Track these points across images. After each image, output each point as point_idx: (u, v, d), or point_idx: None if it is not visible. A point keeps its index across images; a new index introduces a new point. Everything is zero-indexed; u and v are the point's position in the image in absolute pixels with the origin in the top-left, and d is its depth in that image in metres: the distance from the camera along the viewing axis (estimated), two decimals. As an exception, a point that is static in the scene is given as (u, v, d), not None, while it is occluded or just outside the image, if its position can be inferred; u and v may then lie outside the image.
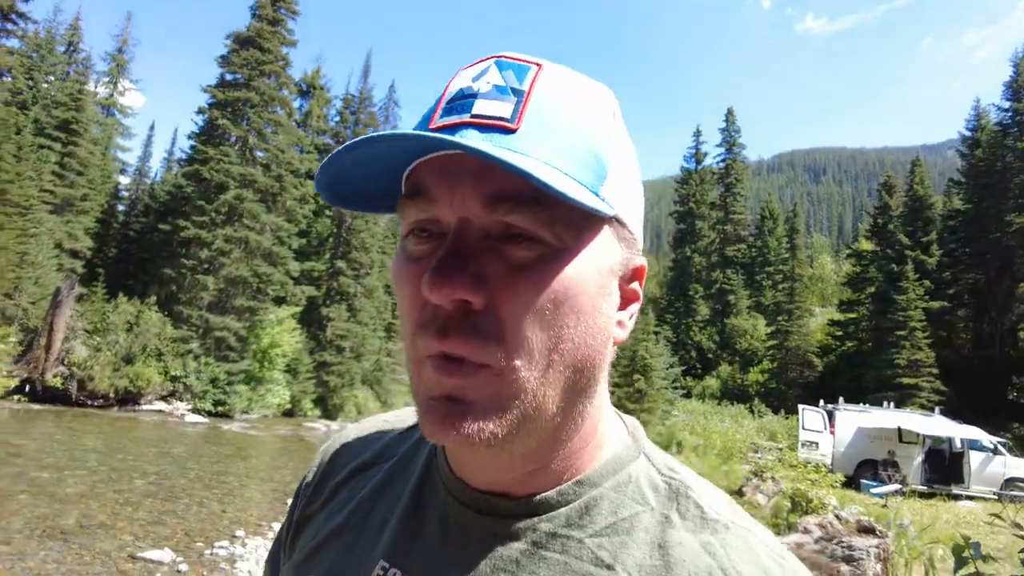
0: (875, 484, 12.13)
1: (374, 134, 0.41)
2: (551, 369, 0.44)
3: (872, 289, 32.85)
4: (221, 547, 6.73)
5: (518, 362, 0.43)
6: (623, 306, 0.50)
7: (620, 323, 0.50)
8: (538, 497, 0.49)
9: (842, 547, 3.92)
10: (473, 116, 0.44)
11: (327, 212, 38.31)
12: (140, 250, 30.91)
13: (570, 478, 0.50)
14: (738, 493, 12.70)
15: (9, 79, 26.27)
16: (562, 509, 0.49)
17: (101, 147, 33.29)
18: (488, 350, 0.43)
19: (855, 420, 15.20)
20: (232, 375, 25.90)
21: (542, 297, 0.43)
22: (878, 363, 28.35)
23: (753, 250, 48.08)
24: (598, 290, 0.45)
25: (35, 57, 32.63)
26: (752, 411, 26.92)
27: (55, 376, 20.74)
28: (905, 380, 26.57)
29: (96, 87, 37.59)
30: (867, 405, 17.50)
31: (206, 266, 27.10)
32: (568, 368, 0.45)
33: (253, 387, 26.69)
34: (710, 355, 41.12)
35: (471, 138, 0.43)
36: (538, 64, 0.47)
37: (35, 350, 20.79)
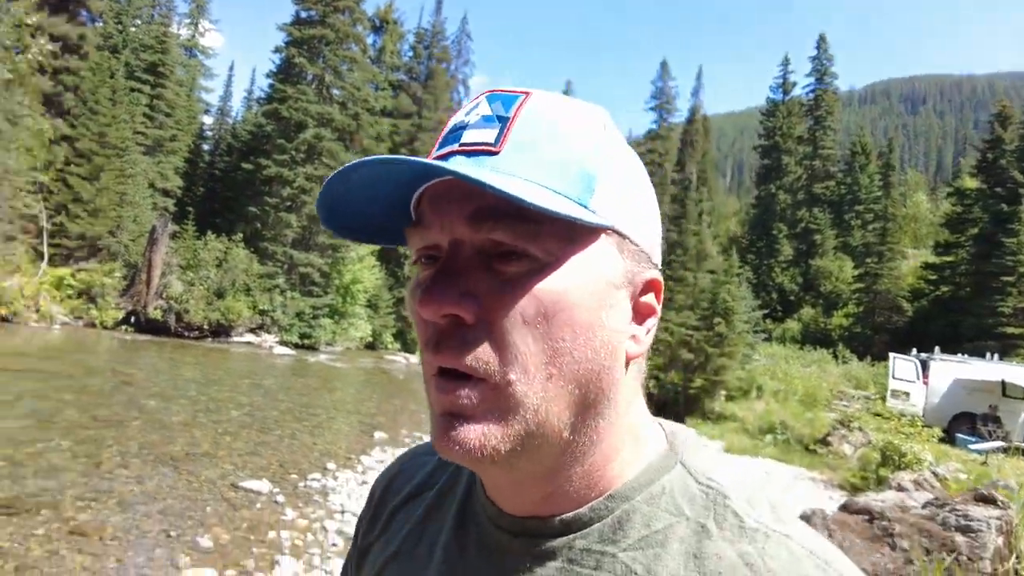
0: (973, 439, 11.54)
1: (362, 159, 0.44)
2: (550, 383, 0.44)
3: (975, 230, 30.51)
4: (314, 479, 7.08)
5: (513, 376, 0.44)
6: (638, 320, 0.50)
7: (634, 337, 0.49)
8: (570, 515, 0.49)
9: (956, 515, 3.70)
10: (461, 145, 0.47)
11: (402, 150, 38.54)
12: (225, 188, 32.14)
13: (599, 494, 0.50)
14: (823, 442, 12.40)
15: (100, 24, 27.16)
16: (595, 525, 0.49)
17: (186, 88, 34.36)
18: (481, 362, 0.44)
19: (952, 371, 14.40)
20: (316, 309, 27.02)
21: (532, 310, 0.44)
22: (978, 310, 26.65)
23: (842, 187, 45.38)
24: (597, 302, 0.46)
25: (122, 1, 33.60)
26: (835, 356, 25.99)
27: (155, 309, 22.19)
28: (1009, 329, 24.93)
29: (178, 29, 38.50)
30: (966, 355, 16.53)
31: (288, 204, 27.95)
32: (570, 383, 0.45)
33: (336, 321, 27.81)
34: (792, 297, 39.67)
35: (456, 163, 0.45)
36: (526, 93, 0.48)
37: (137, 284, 22.22)
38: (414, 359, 29.54)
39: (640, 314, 0.50)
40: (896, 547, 3.82)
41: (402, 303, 33.44)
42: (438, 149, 0.48)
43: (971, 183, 34.29)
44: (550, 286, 0.44)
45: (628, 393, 0.50)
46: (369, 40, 35.13)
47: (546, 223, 0.44)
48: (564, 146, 0.46)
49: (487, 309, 0.44)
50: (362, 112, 30.26)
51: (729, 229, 52.63)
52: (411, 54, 42.52)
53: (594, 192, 0.46)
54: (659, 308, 0.51)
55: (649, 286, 0.50)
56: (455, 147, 0.47)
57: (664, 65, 44.88)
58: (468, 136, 0.47)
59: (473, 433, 0.44)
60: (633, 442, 0.51)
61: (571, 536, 0.49)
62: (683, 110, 44.96)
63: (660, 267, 0.52)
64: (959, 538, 3.60)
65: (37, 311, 19.49)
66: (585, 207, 0.45)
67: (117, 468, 6.44)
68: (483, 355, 0.44)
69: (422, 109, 39.37)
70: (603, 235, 0.46)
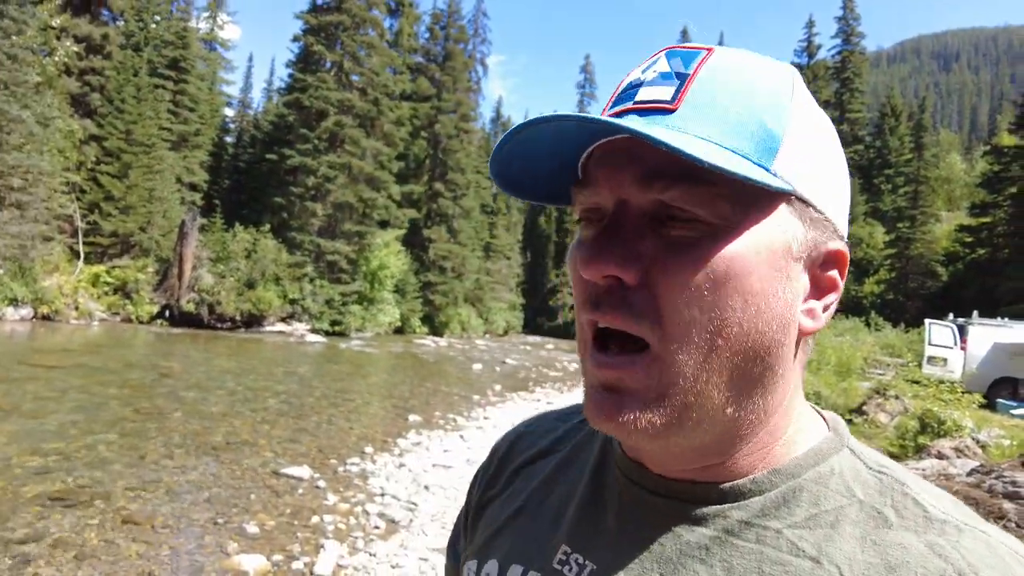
0: (1015, 404, 11.31)
1: (532, 119, 0.43)
2: (714, 354, 0.42)
3: (1014, 190, 29.58)
4: (353, 463, 7.20)
5: (675, 344, 0.42)
6: (816, 295, 0.47)
7: (810, 312, 0.46)
8: (728, 484, 0.47)
9: (1004, 482, 3.64)
10: (636, 103, 0.45)
11: (422, 133, 38.56)
12: (250, 180, 32.53)
13: (762, 470, 0.47)
14: (858, 412, 12.24)
15: (122, 23, 27.47)
16: (756, 498, 0.46)
17: (207, 82, 34.67)
18: (642, 326, 0.43)
19: (991, 335, 14.07)
20: (345, 296, 27.36)
21: (700, 276, 0.42)
22: (1017, 272, 25.91)
23: (871, 151, 44.37)
24: (771, 271, 0.43)
25: (142, -2, 33.92)
26: (868, 324, 25.57)
27: (188, 302, 22.66)
28: (1050, 290, 24.27)
29: (197, 23, 38.77)
30: (1006, 319, 16.14)
31: (313, 193, 28.21)
32: (736, 355, 0.43)
33: (365, 307, 28.15)
34: (821, 266, 39.10)
35: (630, 122, 0.43)
36: (708, 49, 0.46)
37: (170, 279, 22.70)
38: (443, 342, 29.79)
39: (820, 288, 0.47)
40: (940, 516, 3.77)
41: (428, 287, 33.67)
42: (611, 107, 0.47)
43: (1009, 140, 33.12)
44: (721, 252, 0.42)
45: (797, 370, 0.48)
46: (386, 24, 35.02)
47: (720, 185, 0.41)
48: (746, 104, 0.44)
49: (651, 272, 0.43)
50: (382, 97, 30.29)
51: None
52: (428, 36, 42.36)
53: (776, 154, 0.43)
54: (842, 283, 0.48)
55: (832, 258, 0.47)
56: (629, 105, 0.45)
57: (684, 33, 44.07)
58: (643, 94, 0.45)
59: (629, 409, 0.43)
60: (797, 421, 0.49)
61: (727, 506, 0.47)
62: (705, 79, 44.15)
63: (847, 238, 0.49)
64: (1007, 505, 3.55)
65: (76, 308, 20.07)
66: (766, 169, 0.43)
67: (162, 459, 6.62)
68: (644, 318, 0.42)
69: (441, 91, 39.26)
70: (783, 201, 0.44)
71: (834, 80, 47.09)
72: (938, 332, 14.87)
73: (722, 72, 0.44)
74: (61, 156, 20.94)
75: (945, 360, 14.23)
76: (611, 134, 0.44)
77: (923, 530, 0.42)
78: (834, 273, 0.47)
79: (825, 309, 0.47)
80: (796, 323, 0.45)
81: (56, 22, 22.66)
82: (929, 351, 14.67)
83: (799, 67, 47.23)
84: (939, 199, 39.21)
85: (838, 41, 47.54)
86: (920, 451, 8.52)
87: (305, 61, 29.66)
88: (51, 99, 20.70)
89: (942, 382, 10.11)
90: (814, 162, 0.45)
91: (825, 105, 46.22)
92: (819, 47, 47.53)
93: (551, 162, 0.48)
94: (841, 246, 0.47)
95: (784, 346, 0.45)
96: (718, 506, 0.47)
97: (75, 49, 23.48)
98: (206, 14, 40.41)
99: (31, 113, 19.02)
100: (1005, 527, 3.64)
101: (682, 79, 0.44)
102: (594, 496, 0.54)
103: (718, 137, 0.42)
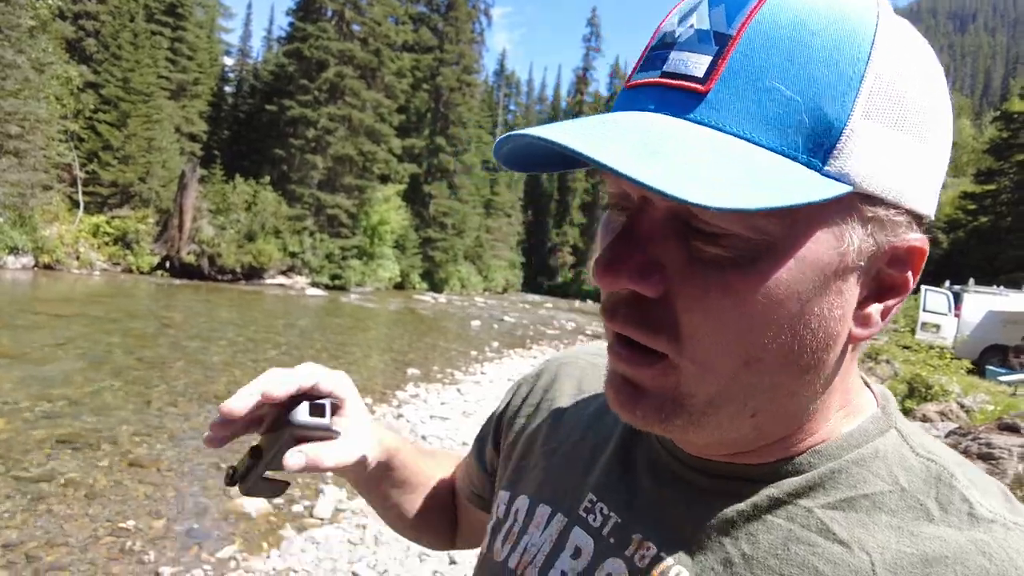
0: (1004, 371, 11.48)
1: (520, 131, 0.36)
2: (738, 379, 0.39)
3: (1021, 157, 29.36)
4: (353, 413, 7.40)
5: (695, 365, 0.38)
6: (878, 297, 0.40)
7: (865, 318, 0.40)
8: (765, 465, 0.44)
9: (979, 443, 3.79)
10: (663, 74, 0.37)
11: (424, 86, 38.00)
12: (250, 131, 32.21)
13: (800, 453, 0.44)
14: (849, 375, 12.42)
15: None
16: (791, 478, 0.43)
17: (206, 30, 34.01)
18: (659, 340, 0.39)
19: (986, 303, 14.19)
20: (345, 250, 27.43)
21: (729, 303, 0.36)
22: (1019, 240, 25.94)
23: (879, 114, 43.78)
24: (816, 292, 0.37)
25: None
26: (866, 289, 25.69)
27: (189, 253, 22.74)
28: (1049, 259, 24.33)
29: (195, -34, 37.78)
30: (1002, 287, 16.23)
31: (313, 145, 27.99)
32: (766, 376, 0.39)
33: (365, 262, 28.25)
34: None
35: (645, 104, 0.38)
36: None
37: (170, 230, 22.72)
38: (442, 298, 29.96)
39: (883, 288, 0.41)
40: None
41: (428, 243, 33.64)
42: (638, 72, 0.40)
43: (1019, 105, 32.70)
44: (758, 281, 0.36)
45: (844, 366, 0.43)
46: (387, -28, 34.15)
47: None
48: (802, 76, 0.35)
49: (673, 288, 0.38)
50: (383, 48, 29.77)
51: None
52: (431, -17, 41.35)
53: (838, 142, 0.35)
54: (913, 282, 0.41)
55: (905, 256, 0.40)
56: (656, 76, 0.38)
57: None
58: (674, 61, 0.37)
59: (643, 407, 0.41)
60: (843, 405, 0.45)
61: (760, 483, 0.44)
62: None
63: (929, 223, 0.41)
64: (980, 465, 3.70)
65: (78, 258, 20.15)
66: (818, 170, 0.35)
67: (166, 406, 6.79)
68: (662, 336, 0.39)
69: (443, 42, 38.53)
70: (843, 203, 0.36)
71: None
72: (933, 298, 14.97)
73: (773, 29, 0.35)
74: (58, 103, 20.70)
75: (938, 326, 14.37)
76: (589, 165, 0.35)
77: (967, 527, 0.39)
78: (905, 272, 0.40)
79: (885, 313, 0.41)
80: (846, 334, 0.40)
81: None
82: (923, 317, 14.79)
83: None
84: (944, 165, 38.84)
85: None
86: (907, 415, 8.72)
87: (305, 10, 29.06)
88: (46, 44, 20.36)
89: (932, 348, 10.27)
90: (892, 142, 0.36)
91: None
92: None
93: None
94: (917, 240, 0.39)
95: (827, 359, 0.40)
96: (751, 483, 0.44)
97: (69, -9, 23.00)
98: (204, -42, 39.38)
99: (26, 58, 18.73)
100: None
101: (722, 44, 0.36)
102: (626, 452, 0.53)
103: (757, 133, 0.35)
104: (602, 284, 0.39)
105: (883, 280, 0.40)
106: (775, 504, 0.43)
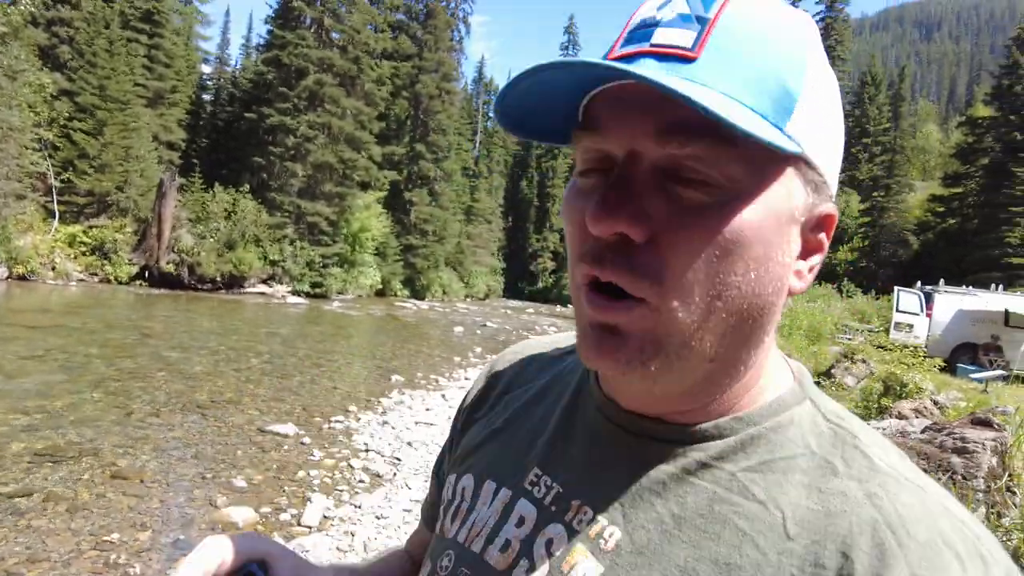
0: (974, 368, 11.76)
1: (548, 61, 0.40)
2: (712, 316, 0.43)
3: (986, 161, 30.14)
4: (337, 421, 7.36)
5: (675, 303, 0.42)
6: (804, 255, 0.47)
7: (798, 273, 0.47)
8: (692, 427, 0.49)
9: (953, 438, 3.90)
10: (652, 45, 0.42)
11: (403, 93, 37.98)
12: (229, 139, 31.91)
13: (726, 414, 0.49)
14: (826, 375, 12.65)
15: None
16: (716, 441, 0.48)
17: (183, 37, 33.68)
18: (643, 285, 0.42)
19: (956, 302, 14.53)
20: (326, 258, 27.26)
21: (709, 244, 0.41)
22: (985, 242, 26.60)
23: (850, 120, 44.54)
24: (775, 237, 0.43)
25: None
26: (841, 291, 26.14)
27: (168, 263, 22.45)
28: (1015, 260, 24.94)
29: (170, -27, 37.42)
30: (971, 287, 16.63)
31: (292, 153, 27.82)
32: (732, 316, 0.44)
33: (346, 269, 28.10)
34: (798, 233, 39.62)
35: (647, 67, 0.41)
36: None
37: (148, 239, 22.42)
38: (424, 305, 29.89)
39: (808, 249, 0.47)
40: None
41: (409, 251, 33.56)
42: (623, 46, 0.44)
43: (985, 111, 33.60)
44: (731, 220, 0.41)
45: (774, 325, 0.49)
46: (365, -20, 34.12)
47: (738, 146, 0.40)
48: (768, 57, 0.42)
49: (659, 233, 0.42)
50: (362, 55, 29.73)
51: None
52: (408, -9, 41.37)
53: (791, 114, 0.42)
54: (827, 244, 0.48)
55: (824, 221, 0.47)
56: (644, 47, 0.42)
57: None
58: (660, 36, 0.42)
59: (625, 350, 0.44)
60: (768, 372, 0.50)
61: (688, 446, 0.49)
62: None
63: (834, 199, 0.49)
64: (955, 459, 3.82)
65: (53, 269, 19.80)
66: (781, 130, 0.41)
67: (148, 416, 6.73)
68: (647, 278, 0.42)
69: (423, 50, 38.56)
70: (792, 164, 0.43)
71: (817, 47, 46.95)
72: (906, 299, 15.28)
73: (744, 19, 0.42)
74: (31, 111, 20.37)
75: (911, 326, 14.66)
76: (625, 78, 0.41)
77: (866, 480, 0.44)
78: (822, 236, 0.48)
79: (811, 270, 0.48)
80: (787, 284, 0.46)
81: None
82: (896, 317, 15.09)
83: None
84: (914, 169, 39.78)
85: (822, 7, 47.25)
86: (883, 412, 8.89)
87: (284, 17, 28.91)
88: (18, 51, 20.04)
89: (906, 347, 10.49)
90: (822, 122, 0.44)
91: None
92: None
93: (556, 101, 0.46)
94: (833, 209, 0.47)
95: (777, 306, 0.46)
96: (681, 447, 0.49)
97: (41, -3, 22.67)
98: (179, -35, 39.03)
99: (-2, 65, 18.45)
100: (952, 478, 3.92)
101: (703, 23, 0.42)
102: (568, 424, 0.56)
103: (740, 93, 0.40)
104: (597, 229, 0.42)
105: (809, 241, 0.47)
106: (701, 467, 0.47)
